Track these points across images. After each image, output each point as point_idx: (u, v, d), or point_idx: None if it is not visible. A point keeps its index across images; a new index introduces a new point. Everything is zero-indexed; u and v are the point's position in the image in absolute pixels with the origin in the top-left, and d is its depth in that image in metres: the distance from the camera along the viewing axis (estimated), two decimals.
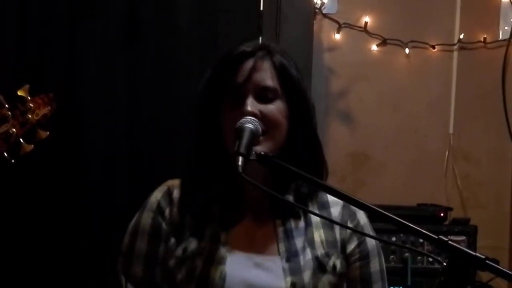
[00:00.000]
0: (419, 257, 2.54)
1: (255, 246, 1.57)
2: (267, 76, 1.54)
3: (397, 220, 1.27)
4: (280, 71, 1.55)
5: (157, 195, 1.62)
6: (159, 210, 1.61)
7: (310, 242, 1.58)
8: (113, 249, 1.82)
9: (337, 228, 1.60)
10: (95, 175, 2.60)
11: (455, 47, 3.00)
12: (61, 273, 2.55)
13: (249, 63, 1.54)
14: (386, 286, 1.62)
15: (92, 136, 2.60)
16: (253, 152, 1.42)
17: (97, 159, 2.61)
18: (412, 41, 2.96)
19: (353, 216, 1.61)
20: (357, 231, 1.63)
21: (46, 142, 1.99)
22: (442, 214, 2.69)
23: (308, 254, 1.56)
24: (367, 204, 1.33)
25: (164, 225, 1.59)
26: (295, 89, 1.56)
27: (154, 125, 2.65)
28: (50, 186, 2.56)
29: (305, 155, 1.57)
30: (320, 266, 1.56)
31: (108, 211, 2.59)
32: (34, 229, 2.53)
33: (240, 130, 1.45)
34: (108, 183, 2.60)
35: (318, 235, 1.60)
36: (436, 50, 2.98)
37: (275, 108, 1.52)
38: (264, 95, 1.52)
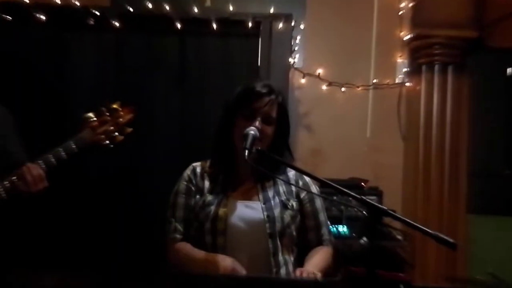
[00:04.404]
0: (349, 208, 2.96)
1: (245, 197, 1.81)
2: (273, 110, 1.80)
3: (338, 187, 1.46)
4: (280, 108, 1.83)
5: (187, 171, 1.89)
6: (189, 180, 1.86)
7: (278, 193, 1.82)
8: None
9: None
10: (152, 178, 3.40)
11: (371, 87, 3.47)
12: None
13: (266, 99, 1.77)
14: (326, 215, 1.88)
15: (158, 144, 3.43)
16: (254, 148, 1.68)
17: (156, 164, 3.43)
18: (346, 83, 3.45)
19: (301, 176, 1.89)
20: (305, 190, 1.87)
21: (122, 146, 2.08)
22: (363, 184, 3.22)
23: (277, 199, 1.81)
24: (320, 178, 1.54)
25: (192, 188, 1.85)
26: (284, 118, 1.86)
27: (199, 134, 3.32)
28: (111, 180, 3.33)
29: (282, 151, 1.86)
30: (284, 205, 1.80)
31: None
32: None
33: (247, 134, 1.71)
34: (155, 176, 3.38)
35: (282, 189, 1.86)
36: (360, 89, 3.46)
37: (270, 129, 1.80)
38: (267, 120, 1.79)
